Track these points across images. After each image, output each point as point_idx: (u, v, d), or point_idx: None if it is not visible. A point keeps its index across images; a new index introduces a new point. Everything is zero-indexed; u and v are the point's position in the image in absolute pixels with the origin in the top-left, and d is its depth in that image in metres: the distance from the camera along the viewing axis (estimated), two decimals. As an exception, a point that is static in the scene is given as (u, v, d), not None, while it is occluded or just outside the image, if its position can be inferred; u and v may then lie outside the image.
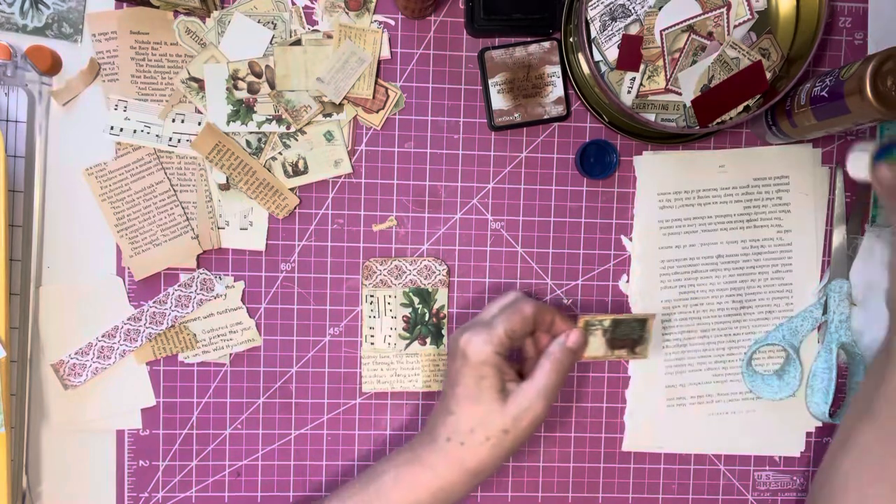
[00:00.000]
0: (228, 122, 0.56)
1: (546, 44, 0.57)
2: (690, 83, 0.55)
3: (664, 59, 0.54)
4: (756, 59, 0.54)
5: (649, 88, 0.55)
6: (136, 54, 0.56)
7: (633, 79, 0.54)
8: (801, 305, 0.61)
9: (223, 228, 0.58)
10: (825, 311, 0.60)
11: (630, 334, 0.54)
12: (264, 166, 0.57)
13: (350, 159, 0.58)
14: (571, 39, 0.56)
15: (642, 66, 0.54)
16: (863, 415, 0.48)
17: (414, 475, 0.48)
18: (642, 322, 0.54)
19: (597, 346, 0.54)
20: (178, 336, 0.58)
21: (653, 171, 0.60)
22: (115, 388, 0.58)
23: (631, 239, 0.60)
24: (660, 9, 0.53)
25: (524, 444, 0.49)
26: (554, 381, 0.49)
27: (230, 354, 0.59)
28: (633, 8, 0.53)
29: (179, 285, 0.57)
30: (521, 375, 0.51)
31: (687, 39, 0.54)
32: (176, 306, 0.57)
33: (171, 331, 0.58)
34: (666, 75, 0.54)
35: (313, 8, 0.56)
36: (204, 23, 0.56)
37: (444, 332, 0.60)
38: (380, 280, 0.59)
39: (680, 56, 0.54)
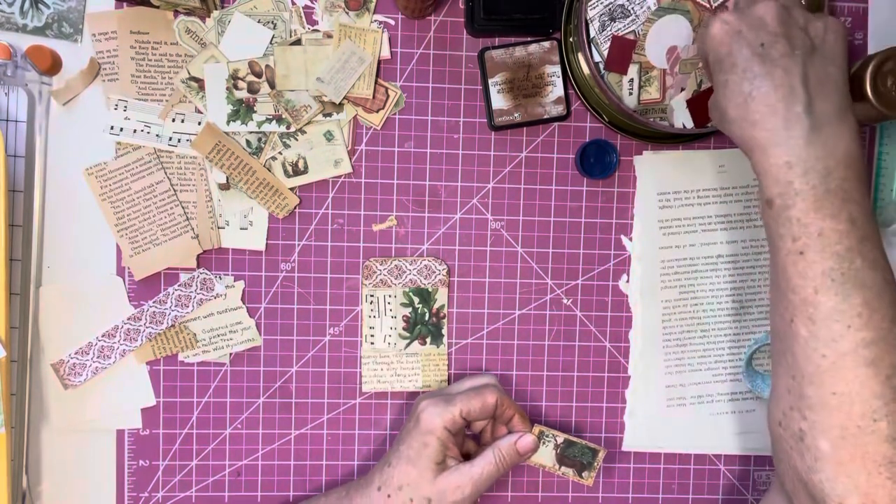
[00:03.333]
0: (228, 122, 0.56)
1: (546, 44, 0.57)
2: (683, 91, 0.55)
3: (661, 76, 0.54)
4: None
5: (643, 98, 0.55)
6: (136, 54, 0.56)
7: (632, 80, 0.54)
8: (801, 305, 0.61)
9: (223, 228, 0.58)
10: (825, 311, 0.60)
11: (580, 457, 0.56)
12: (264, 166, 0.57)
13: (350, 159, 0.58)
14: (571, 39, 0.56)
15: (636, 68, 0.54)
16: None
17: None
18: (594, 451, 0.56)
19: (545, 456, 0.56)
20: (178, 336, 0.58)
21: (653, 171, 0.60)
22: (115, 388, 0.58)
23: (631, 239, 0.60)
24: (658, 18, 0.54)
25: None
26: (490, 473, 0.52)
27: (230, 354, 0.59)
28: (633, 9, 0.53)
29: (179, 285, 0.57)
30: (467, 456, 0.55)
31: (673, 57, 0.54)
32: (176, 306, 0.57)
33: (171, 330, 0.58)
34: (660, 85, 0.54)
35: (313, 8, 0.56)
36: (204, 23, 0.56)
37: (444, 331, 0.60)
38: (380, 280, 0.59)
39: (674, 83, 0.54)
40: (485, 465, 0.52)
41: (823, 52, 0.44)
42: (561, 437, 0.56)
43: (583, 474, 0.57)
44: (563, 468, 0.56)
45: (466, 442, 0.57)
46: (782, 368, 0.46)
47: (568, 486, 0.62)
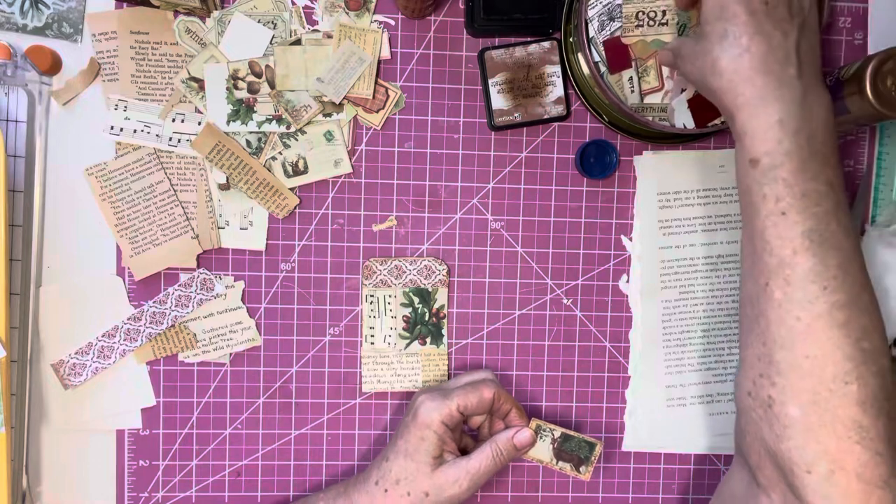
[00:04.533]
0: (228, 122, 0.56)
1: (546, 44, 0.57)
2: (684, 91, 0.55)
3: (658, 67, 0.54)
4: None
5: (643, 88, 0.55)
6: (136, 54, 0.56)
7: (631, 78, 0.54)
8: (801, 305, 0.61)
9: (223, 228, 0.58)
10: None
11: (577, 451, 0.56)
12: (264, 166, 0.57)
13: (350, 159, 0.58)
14: (571, 39, 0.56)
15: (634, 64, 0.54)
16: None
17: None
18: (591, 445, 0.56)
19: (543, 451, 0.56)
20: (178, 336, 0.58)
21: (653, 171, 0.60)
22: (115, 388, 0.58)
23: (631, 239, 0.60)
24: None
25: None
26: (488, 467, 0.52)
27: (230, 354, 0.59)
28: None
29: (179, 285, 0.57)
30: (465, 452, 0.55)
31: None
32: (176, 306, 0.57)
33: (171, 331, 0.58)
34: (657, 73, 0.54)
35: (313, 8, 0.56)
36: (204, 23, 0.56)
37: (444, 331, 0.60)
38: (380, 280, 0.59)
39: (674, 84, 0.54)
40: (482, 459, 0.52)
41: (810, 23, 0.46)
42: (558, 432, 0.56)
43: (580, 469, 0.57)
44: (560, 462, 0.56)
45: (464, 438, 0.57)
46: (753, 336, 0.46)
47: (568, 485, 0.62)
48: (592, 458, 0.56)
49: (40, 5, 0.55)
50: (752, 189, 0.45)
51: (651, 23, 0.53)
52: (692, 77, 0.48)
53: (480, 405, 0.53)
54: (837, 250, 0.44)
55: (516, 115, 0.58)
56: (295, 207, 0.58)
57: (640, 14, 0.53)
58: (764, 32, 0.44)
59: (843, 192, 0.45)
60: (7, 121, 0.55)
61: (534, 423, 0.55)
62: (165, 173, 0.57)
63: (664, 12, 0.53)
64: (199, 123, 0.56)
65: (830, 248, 0.43)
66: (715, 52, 0.45)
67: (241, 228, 0.58)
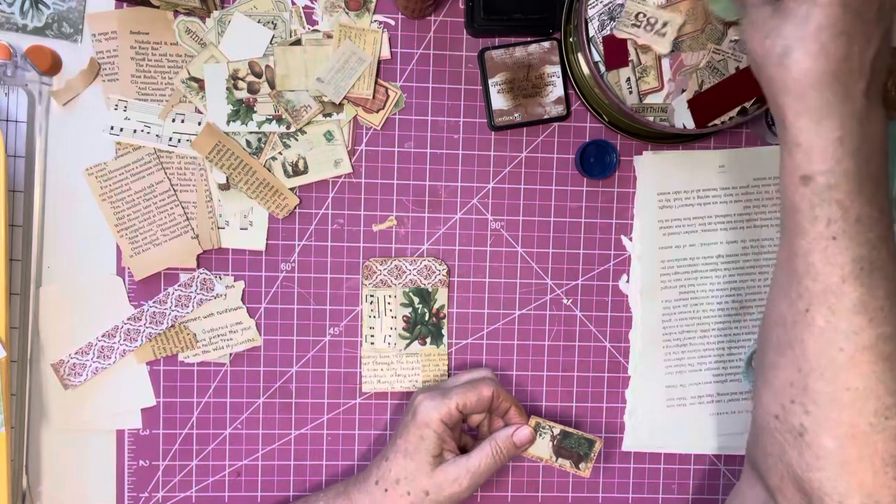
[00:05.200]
0: (228, 122, 0.56)
1: (546, 44, 0.57)
2: (684, 91, 0.55)
3: (658, 63, 0.54)
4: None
5: (642, 88, 0.55)
6: (136, 54, 0.56)
7: (629, 79, 0.54)
8: (801, 305, 0.61)
9: (223, 228, 0.58)
10: (825, 311, 0.60)
11: (577, 448, 0.56)
12: (264, 166, 0.57)
13: (350, 159, 0.58)
14: (571, 39, 0.56)
15: (631, 65, 0.54)
16: None
17: None
18: (591, 442, 0.56)
19: (542, 448, 0.56)
20: (178, 336, 0.58)
21: (653, 171, 0.60)
22: (115, 388, 0.58)
23: (631, 239, 0.60)
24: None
25: None
26: (488, 466, 0.52)
27: (230, 354, 0.59)
28: (633, 8, 0.53)
29: (179, 285, 0.57)
30: (465, 450, 0.55)
31: (677, 63, 0.54)
32: (176, 306, 0.57)
33: (171, 331, 0.58)
34: (657, 73, 0.54)
35: (313, 8, 0.56)
36: (204, 23, 0.56)
37: (444, 331, 0.60)
38: (380, 280, 0.59)
39: (675, 84, 0.54)
40: (482, 457, 0.52)
41: (891, 32, 0.40)
42: (557, 429, 0.56)
43: (579, 465, 0.57)
44: (559, 459, 0.56)
45: (463, 436, 0.57)
46: (785, 360, 0.44)
47: (568, 485, 0.62)
48: (592, 454, 0.56)
49: (40, 5, 0.55)
50: (800, 207, 0.41)
51: (648, 28, 0.53)
52: (752, 49, 0.41)
53: (479, 403, 0.53)
54: (887, 280, 0.41)
55: (516, 115, 0.58)
56: (295, 207, 0.58)
57: (641, 15, 0.53)
58: (848, 34, 0.38)
59: (892, 216, 0.42)
60: (7, 121, 0.55)
61: (533, 420, 0.55)
62: (165, 173, 0.57)
63: (665, 24, 0.53)
64: (199, 123, 0.56)
65: (880, 277, 0.41)
66: (790, 38, 0.39)
67: (241, 228, 0.58)
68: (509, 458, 0.54)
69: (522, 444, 0.54)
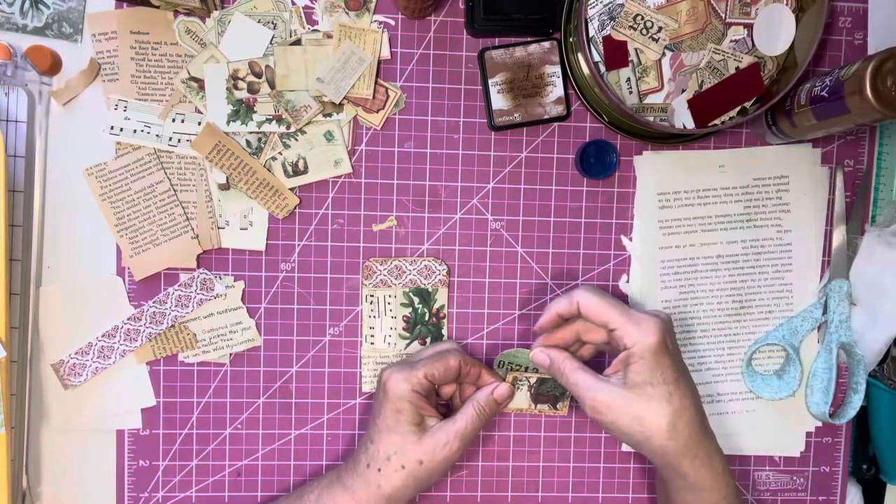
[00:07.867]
0: (228, 122, 0.56)
1: (546, 44, 0.57)
2: (684, 91, 0.55)
3: (658, 67, 0.54)
4: (751, 61, 0.54)
5: (642, 88, 0.55)
6: (136, 54, 0.56)
7: (629, 79, 0.54)
8: (801, 305, 0.61)
9: (223, 228, 0.58)
10: (825, 311, 0.60)
11: (553, 391, 0.58)
12: (264, 166, 0.57)
13: (350, 159, 0.58)
14: (571, 39, 0.56)
15: (631, 65, 0.54)
16: None
17: (334, 497, 0.52)
18: None
19: (521, 400, 0.58)
20: (178, 336, 0.58)
21: (653, 171, 0.60)
22: (115, 388, 0.58)
23: (631, 239, 0.60)
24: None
25: (439, 477, 0.53)
26: (473, 426, 0.52)
27: (230, 354, 0.59)
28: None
29: (179, 285, 0.57)
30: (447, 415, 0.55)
31: (677, 63, 0.54)
32: (176, 306, 0.57)
33: (171, 331, 0.58)
34: (658, 73, 0.54)
35: (313, 8, 0.56)
36: (204, 23, 0.56)
37: (444, 331, 0.60)
38: (380, 280, 0.59)
39: (675, 85, 0.54)
40: (466, 418, 0.52)
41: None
42: (533, 378, 0.57)
43: (557, 406, 0.58)
44: (538, 405, 0.58)
45: (438, 409, 0.56)
46: None
47: (568, 486, 0.62)
48: (567, 392, 0.58)
49: (40, 5, 0.55)
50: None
51: (644, 31, 0.53)
52: (622, 429, 0.49)
53: (447, 373, 0.53)
54: None
55: (516, 115, 0.58)
56: (295, 207, 0.58)
57: (639, 18, 0.53)
58: (690, 390, 0.49)
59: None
60: (7, 121, 0.55)
61: (510, 376, 0.56)
62: (165, 173, 0.57)
63: (660, 29, 0.53)
64: (199, 123, 0.56)
65: None
66: (661, 411, 0.48)
67: (241, 228, 0.58)
68: (492, 415, 0.54)
69: (503, 399, 0.54)
